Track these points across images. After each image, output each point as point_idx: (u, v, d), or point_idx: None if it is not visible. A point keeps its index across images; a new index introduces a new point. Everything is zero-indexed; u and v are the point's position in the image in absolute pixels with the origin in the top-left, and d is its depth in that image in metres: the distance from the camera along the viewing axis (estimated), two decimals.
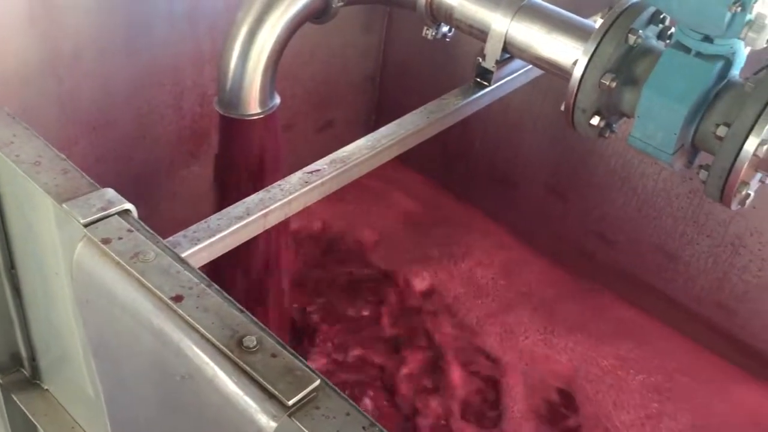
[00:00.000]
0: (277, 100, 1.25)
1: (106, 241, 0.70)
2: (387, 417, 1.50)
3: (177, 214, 1.63)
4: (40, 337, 0.99)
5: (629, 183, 1.60)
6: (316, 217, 1.85)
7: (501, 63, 1.20)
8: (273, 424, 0.59)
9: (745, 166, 0.92)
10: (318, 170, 1.02)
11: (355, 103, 2.00)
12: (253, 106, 1.20)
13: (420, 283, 1.75)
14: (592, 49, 1.01)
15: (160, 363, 0.71)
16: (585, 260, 1.75)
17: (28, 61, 1.27)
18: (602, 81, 1.01)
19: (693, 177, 1.02)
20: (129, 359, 0.77)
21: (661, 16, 1.03)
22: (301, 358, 0.63)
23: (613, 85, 1.01)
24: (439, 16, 1.23)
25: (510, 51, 1.18)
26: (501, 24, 1.14)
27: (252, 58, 1.18)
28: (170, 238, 0.87)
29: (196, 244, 0.87)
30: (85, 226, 0.72)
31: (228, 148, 1.25)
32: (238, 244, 0.93)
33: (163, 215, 1.62)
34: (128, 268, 0.68)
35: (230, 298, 0.67)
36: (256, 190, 1.00)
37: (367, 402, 1.51)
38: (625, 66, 1.02)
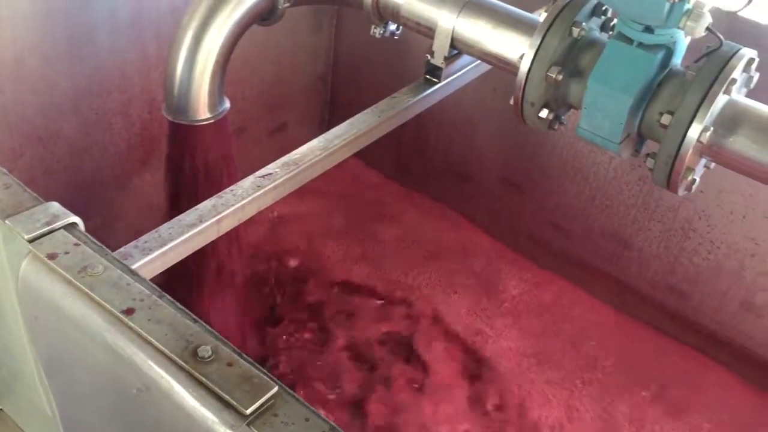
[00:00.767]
0: (227, 104, 1.23)
1: (52, 257, 0.69)
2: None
3: (131, 224, 1.60)
4: None
5: (581, 172, 1.62)
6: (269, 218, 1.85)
7: (450, 59, 1.20)
8: None
9: (690, 152, 0.94)
10: (270, 174, 1.01)
11: (308, 104, 1.99)
12: (202, 111, 1.19)
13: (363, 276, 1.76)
14: (538, 43, 1.02)
15: (115, 378, 0.70)
16: (541, 250, 1.77)
17: None
18: (549, 74, 1.02)
19: (642, 165, 1.04)
20: (83, 375, 0.75)
21: (603, 8, 1.04)
22: (258, 365, 0.62)
23: (560, 77, 1.02)
24: (385, 14, 1.23)
25: (458, 47, 1.18)
26: (447, 21, 1.15)
27: (199, 62, 1.16)
28: (121, 250, 0.85)
29: (147, 255, 0.85)
30: (30, 241, 0.70)
31: (178, 155, 1.23)
32: (192, 251, 0.91)
33: (117, 226, 1.59)
34: (76, 282, 0.67)
35: (183, 308, 0.66)
36: (208, 196, 0.98)
37: None
38: (571, 58, 1.03)
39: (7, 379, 0.98)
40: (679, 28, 0.93)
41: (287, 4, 1.22)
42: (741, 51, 0.94)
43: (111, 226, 1.58)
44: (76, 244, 0.71)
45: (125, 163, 1.57)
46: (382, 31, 1.27)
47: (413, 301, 1.71)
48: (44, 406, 0.90)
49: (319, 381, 1.55)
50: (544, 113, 1.06)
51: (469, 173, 1.84)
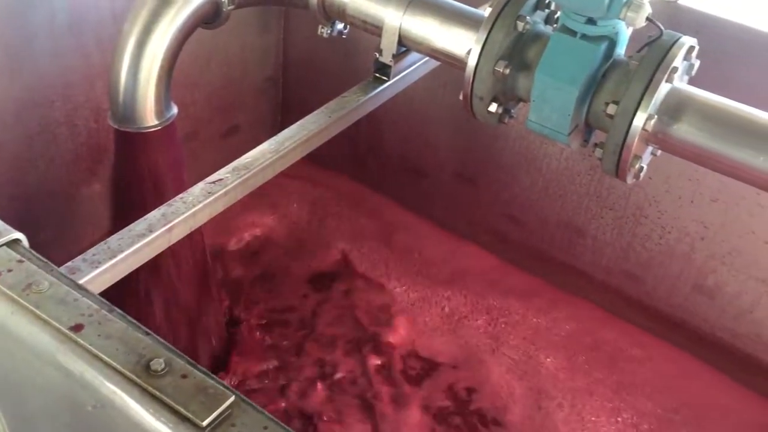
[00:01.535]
0: (175, 110, 1.21)
1: None
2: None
3: (83, 236, 1.56)
4: None
5: (534, 164, 1.64)
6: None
7: (398, 57, 1.20)
8: None
9: (636, 140, 0.96)
10: (221, 179, 1.00)
11: (259, 106, 1.97)
12: (149, 118, 1.17)
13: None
14: (484, 38, 1.02)
15: (68, 396, 0.68)
16: (498, 242, 1.79)
17: None
18: (496, 68, 1.03)
19: (593, 154, 1.06)
20: (34, 395, 0.73)
21: (547, 2, 1.05)
22: (213, 375, 0.61)
23: (507, 71, 1.03)
24: (332, 13, 1.22)
25: (406, 44, 1.18)
26: (394, 18, 1.15)
27: (143, 68, 1.14)
28: (69, 264, 0.83)
29: (96, 268, 0.83)
30: None
31: (126, 164, 1.21)
32: (143, 262, 0.90)
33: (68, 238, 1.55)
34: (21, 301, 0.65)
35: (135, 321, 0.65)
36: (159, 205, 0.97)
37: None
38: (517, 52, 1.04)
39: None
40: (620, 19, 0.94)
41: (232, 6, 1.21)
42: (681, 39, 0.96)
43: (62, 239, 1.55)
44: (20, 261, 0.69)
45: (73, 174, 1.54)
46: (329, 31, 1.26)
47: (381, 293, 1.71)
48: None
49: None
50: (493, 107, 1.07)
51: (424, 169, 1.84)
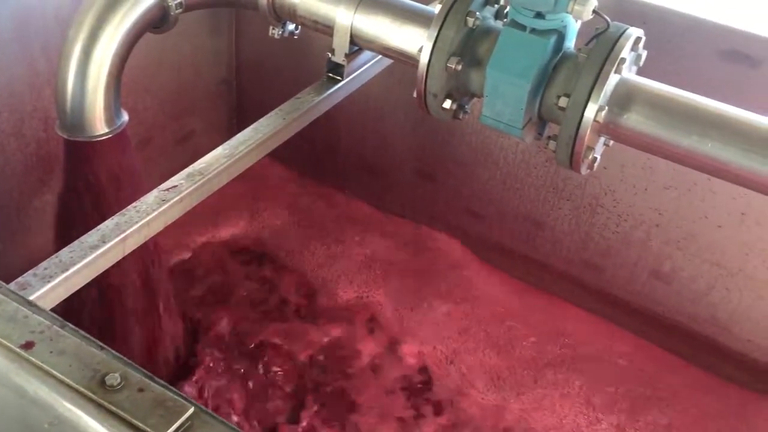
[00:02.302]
0: (125, 117, 1.19)
1: None
2: None
3: (35, 249, 1.52)
4: None
5: (491, 158, 1.65)
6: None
7: (351, 56, 1.20)
8: None
9: (588, 132, 0.97)
10: (175, 186, 0.99)
11: (214, 109, 1.95)
12: (98, 126, 1.14)
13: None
14: (435, 35, 1.02)
15: (22, 415, 0.66)
16: (459, 237, 1.80)
17: None
18: (448, 65, 1.03)
19: (546, 147, 1.08)
20: None
21: None
22: (171, 387, 0.60)
23: (459, 67, 1.03)
24: (282, 14, 1.21)
25: (358, 43, 1.18)
26: (345, 17, 1.14)
27: (91, 76, 1.12)
28: (19, 279, 0.81)
29: (48, 282, 0.81)
30: None
31: (77, 174, 1.18)
32: (96, 274, 0.88)
33: (18, 252, 1.51)
34: None
35: (88, 335, 0.64)
36: (112, 214, 0.95)
37: None
38: (468, 48, 1.04)
39: None
40: (567, 12, 0.95)
41: (180, 10, 1.19)
42: (628, 31, 0.98)
43: (13, 253, 1.51)
44: None
45: (23, 186, 1.50)
46: (280, 32, 1.25)
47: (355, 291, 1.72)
48: None
49: None
50: (447, 104, 1.07)
51: (383, 166, 1.84)
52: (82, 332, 0.64)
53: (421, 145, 1.75)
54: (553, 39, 0.98)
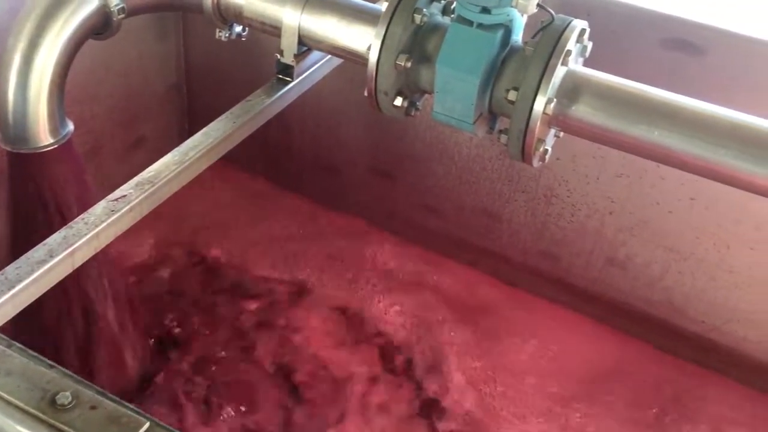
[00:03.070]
0: (71, 126, 1.16)
1: None
2: None
3: None
4: None
5: (446, 153, 1.65)
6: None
7: (300, 56, 1.19)
8: None
9: (538, 124, 0.98)
10: (124, 196, 0.96)
11: (165, 115, 1.91)
12: (43, 137, 1.11)
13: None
14: (383, 33, 1.02)
15: None
16: (418, 233, 1.80)
17: None
18: (397, 62, 1.03)
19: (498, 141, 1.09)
20: None
21: None
22: (125, 403, 0.59)
23: (408, 65, 1.03)
24: (228, 16, 1.19)
25: (306, 43, 1.17)
26: (292, 18, 1.13)
27: (32, 85, 1.09)
28: None
29: None
30: None
31: (23, 187, 1.15)
32: (45, 290, 0.85)
33: None
34: None
35: (37, 354, 0.62)
36: (60, 227, 0.92)
37: None
38: (417, 45, 1.04)
39: None
40: (512, 6, 0.96)
41: (122, 16, 1.16)
42: (573, 23, 0.99)
43: None
44: None
45: None
46: (227, 34, 1.24)
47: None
48: None
49: None
50: (398, 101, 1.07)
51: (338, 166, 1.84)
52: (30, 351, 0.62)
53: (376, 142, 1.75)
54: (500, 33, 0.99)
